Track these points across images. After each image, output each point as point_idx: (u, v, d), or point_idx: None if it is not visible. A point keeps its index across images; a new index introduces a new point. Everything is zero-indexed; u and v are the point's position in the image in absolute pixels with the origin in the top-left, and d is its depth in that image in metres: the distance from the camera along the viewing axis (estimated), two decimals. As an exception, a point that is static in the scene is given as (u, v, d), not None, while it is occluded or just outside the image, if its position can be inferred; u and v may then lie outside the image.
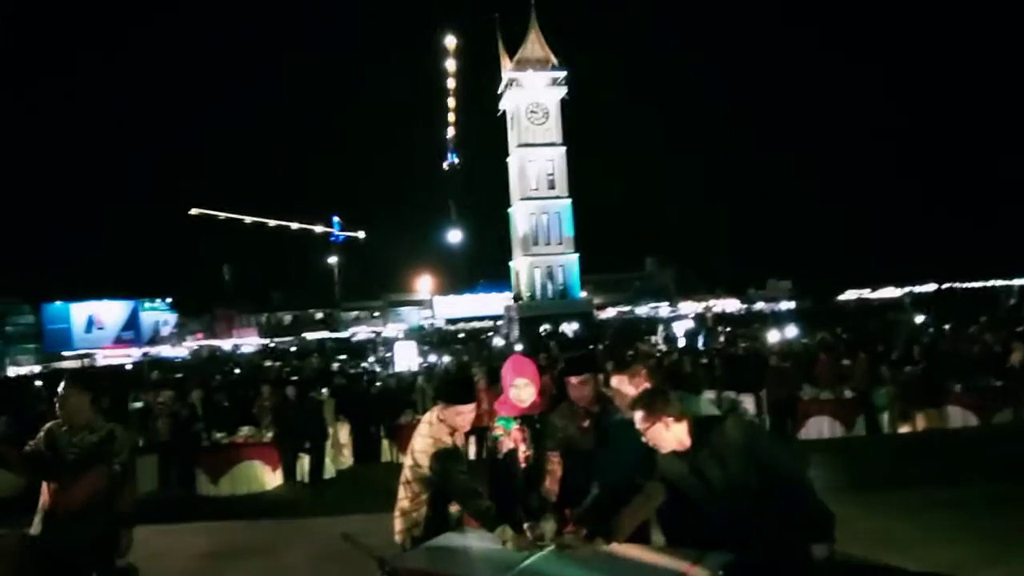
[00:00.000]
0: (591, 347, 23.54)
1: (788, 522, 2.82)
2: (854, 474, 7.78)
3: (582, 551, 2.98)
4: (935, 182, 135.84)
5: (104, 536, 3.75)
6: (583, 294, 51.59)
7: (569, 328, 42.58)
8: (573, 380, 3.62)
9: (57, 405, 3.81)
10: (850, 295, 76.67)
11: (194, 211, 69.31)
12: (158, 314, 74.54)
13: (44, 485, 3.76)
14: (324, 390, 11.86)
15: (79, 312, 68.37)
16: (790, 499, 2.82)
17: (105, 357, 60.01)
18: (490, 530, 3.23)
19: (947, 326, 21.72)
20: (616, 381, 3.41)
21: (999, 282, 65.76)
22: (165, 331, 73.60)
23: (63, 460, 3.69)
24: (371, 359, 27.87)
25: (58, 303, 67.84)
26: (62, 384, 3.89)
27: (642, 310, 73.07)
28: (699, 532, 2.97)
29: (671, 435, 3.00)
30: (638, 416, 3.04)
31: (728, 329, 32.69)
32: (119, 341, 68.54)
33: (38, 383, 24.11)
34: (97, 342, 66.99)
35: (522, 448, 3.68)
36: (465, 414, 3.55)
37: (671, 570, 2.73)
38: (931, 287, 72.36)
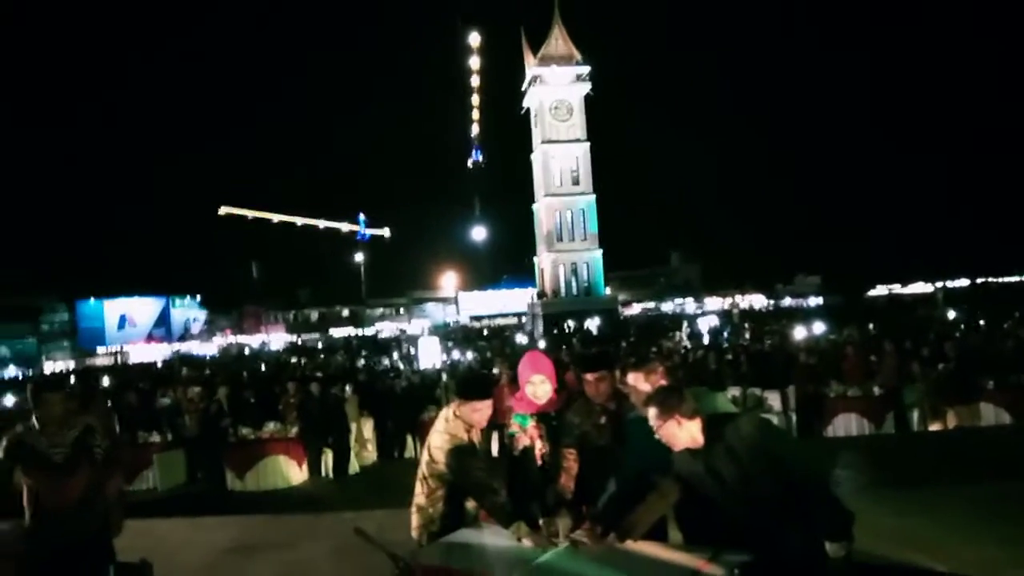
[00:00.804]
0: (613, 345, 23.44)
1: (804, 521, 2.76)
2: (882, 472, 7.63)
3: (596, 548, 2.96)
4: (968, 175, 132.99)
5: (99, 527, 3.83)
6: (607, 291, 51.42)
7: (593, 325, 42.40)
8: (589, 377, 3.59)
9: (34, 409, 3.83)
10: (880, 291, 75.34)
11: (223, 210, 70.30)
12: (188, 311, 75.88)
13: (26, 488, 3.77)
14: (347, 387, 11.92)
15: (112, 310, 69.84)
16: (806, 498, 2.76)
17: (137, 354, 61.12)
18: (505, 526, 3.22)
19: (981, 322, 21.30)
20: (632, 378, 3.37)
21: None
22: (195, 328, 74.90)
23: (49, 461, 3.73)
24: (396, 355, 28.03)
25: (91, 301, 69.38)
26: (34, 391, 3.91)
27: (667, 306, 72.64)
28: (715, 530, 2.93)
29: (684, 433, 2.97)
30: (651, 413, 3.01)
31: (754, 325, 32.34)
32: (150, 338, 69.86)
33: (72, 379, 24.63)
34: (129, 339, 68.40)
35: (538, 445, 3.66)
36: (482, 410, 3.54)
37: (685, 567, 2.70)
38: (964, 282, 70.84)
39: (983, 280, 70.13)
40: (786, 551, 2.74)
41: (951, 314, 27.92)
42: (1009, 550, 4.76)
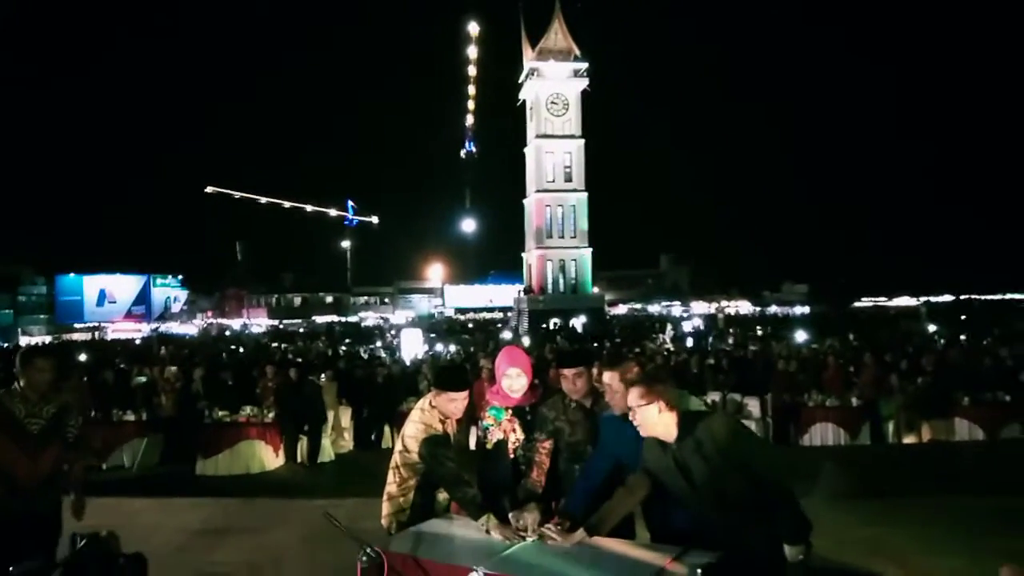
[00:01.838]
0: (597, 343, 23.49)
1: (766, 522, 2.77)
2: (854, 483, 7.69)
3: (564, 543, 2.96)
4: (957, 192, 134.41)
5: (55, 509, 3.80)
6: (595, 289, 51.46)
7: (578, 323, 42.48)
8: (567, 372, 3.58)
9: (21, 374, 3.78)
10: (866, 303, 76.03)
11: (210, 189, 69.96)
12: (169, 290, 75.34)
13: None
14: (323, 375, 11.87)
15: (92, 285, 69.19)
16: (770, 500, 2.78)
17: (115, 331, 60.58)
18: (475, 518, 3.22)
19: (962, 338, 21.54)
20: (608, 377, 3.37)
21: (1018, 295, 65.07)
22: (175, 307, 74.34)
23: (24, 430, 3.68)
24: (378, 344, 27.94)
25: (71, 275, 68.64)
26: (24, 355, 3.87)
27: (654, 308, 72.87)
28: (682, 529, 2.94)
29: (661, 421, 2.98)
30: (636, 392, 3.00)
31: (738, 331, 32.52)
32: (129, 315, 69.27)
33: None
34: (108, 315, 67.81)
35: (512, 438, 3.65)
36: (457, 401, 3.53)
37: (650, 565, 2.70)
38: (948, 298, 71.64)
39: (967, 297, 70.95)
40: (748, 550, 2.76)
41: (932, 328, 28.22)
42: (975, 561, 4.80)
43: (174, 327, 63.37)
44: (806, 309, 66.97)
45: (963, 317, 39.40)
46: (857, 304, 73.45)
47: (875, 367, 11.51)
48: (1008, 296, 67.81)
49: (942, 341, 21.25)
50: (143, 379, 12.33)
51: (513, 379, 3.66)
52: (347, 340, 31.40)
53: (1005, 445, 10.14)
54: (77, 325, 64.06)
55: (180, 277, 76.78)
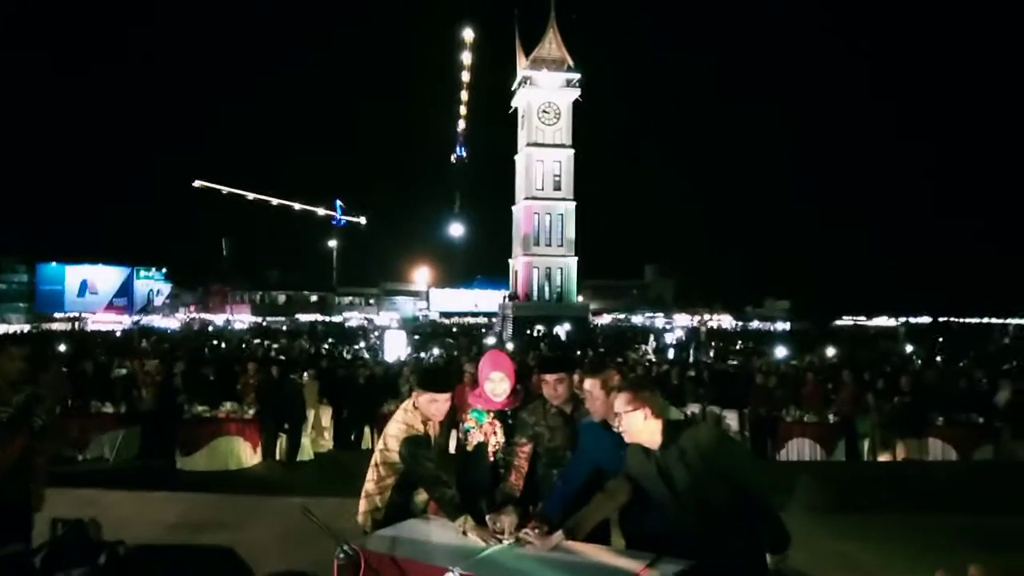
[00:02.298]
0: (580, 351, 23.55)
1: (747, 532, 2.83)
2: (828, 498, 7.78)
3: (540, 547, 2.99)
4: (939, 216, 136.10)
5: (18, 500, 3.78)
6: (580, 298, 51.59)
7: (562, 331, 42.55)
8: (549, 378, 3.63)
9: None
10: (846, 321, 76.77)
11: (198, 183, 69.24)
12: (152, 283, 74.61)
13: None
14: (305, 374, 11.84)
15: (74, 275, 68.35)
16: (752, 510, 2.84)
17: (95, 322, 59.85)
18: (452, 519, 3.25)
19: (938, 359, 21.82)
20: (589, 384, 3.42)
21: (995, 320, 65.93)
22: (158, 301, 73.63)
23: None
24: (361, 345, 27.85)
25: (53, 264, 67.79)
26: None
27: (638, 319, 73.10)
28: (657, 536, 2.98)
29: (646, 428, 3.01)
30: (623, 398, 3.03)
31: (719, 344, 32.73)
32: (111, 307, 68.50)
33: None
34: (89, 306, 66.97)
35: (492, 441, 3.69)
36: (439, 403, 3.56)
37: (624, 571, 2.74)
38: (926, 319, 72.47)
39: (944, 319, 71.81)
40: (726, 559, 2.81)
41: (909, 348, 28.54)
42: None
43: (156, 320, 62.73)
44: (787, 325, 67.50)
45: (940, 339, 39.87)
46: (837, 322, 74.16)
47: (853, 385, 11.64)
48: (985, 320, 68.67)
49: (919, 362, 21.52)
50: (123, 371, 12.22)
51: (496, 383, 3.70)
52: (330, 340, 31.22)
53: (977, 466, 10.30)
54: (57, 315, 63.25)
55: (164, 270, 76.09)
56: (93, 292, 69.03)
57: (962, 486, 8.79)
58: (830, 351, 22.51)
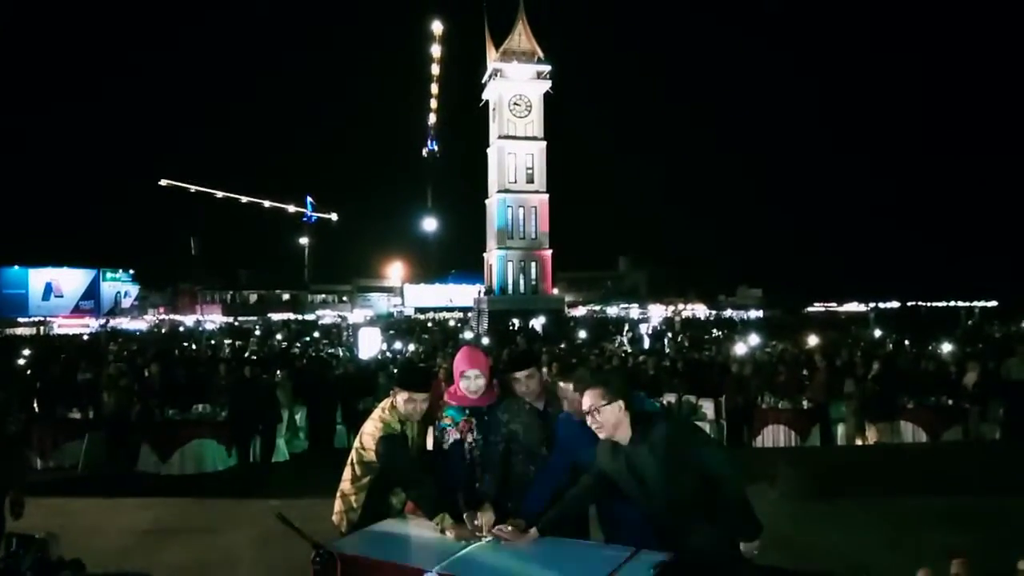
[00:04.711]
0: (556, 343, 23.58)
1: (717, 524, 2.82)
2: (803, 484, 7.86)
3: (518, 543, 2.97)
4: (907, 205, 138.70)
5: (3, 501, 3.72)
6: (555, 290, 51.67)
7: (538, 323, 42.60)
8: (519, 375, 3.61)
9: None
10: (818, 307, 77.94)
11: (164, 182, 68.23)
12: (120, 285, 73.28)
13: None
14: (278, 373, 11.69)
15: (38, 278, 66.93)
16: (721, 502, 2.83)
17: (61, 326, 58.62)
18: (429, 518, 3.23)
19: (907, 343, 22.20)
20: (562, 387, 3.42)
21: (961, 303, 67.37)
22: (126, 303, 72.35)
23: None
24: (329, 342, 27.57)
25: (16, 268, 66.23)
26: None
27: (612, 310, 73.48)
28: (636, 530, 2.97)
29: (618, 421, 2.99)
30: (596, 392, 3.00)
31: (693, 334, 32.99)
32: (77, 310, 67.16)
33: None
34: (55, 310, 65.63)
35: (468, 439, 3.64)
36: (416, 402, 3.53)
37: (604, 565, 2.72)
38: (895, 304, 73.86)
39: (913, 304, 73.24)
40: (699, 550, 2.80)
41: (878, 333, 29.01)
42: (911, 561, 4.95)
43: (124, 323, 61.58)
44: (760, 313, 68.34)
45: (909, 322, 40.64)
46: (809, 309, 75.27)
47: (826, 371, 11.79)
48: (951, 304, 70.17)
49: (889, 346, 21.86)
50: (89, 376, 11.95)
51: (471, 380, 3.65)
52: (305, 338, 30.88)
53: (947, 447, 10.49)
54: (21, 319, 61.77)
55: (132, 272, 74.75)
56: (58, 295, 67.67)
57: (934, 468, 8.94)
58: (811, 339, 22.70)
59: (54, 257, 68.05)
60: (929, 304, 72.79)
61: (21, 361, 15.80)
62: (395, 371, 12.30)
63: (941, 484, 7.43)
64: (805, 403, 11.27)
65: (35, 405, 10.20)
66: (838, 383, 11.58)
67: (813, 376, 12.00)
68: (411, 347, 23.51)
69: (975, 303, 63.76)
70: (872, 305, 70.78)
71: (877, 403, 10.85)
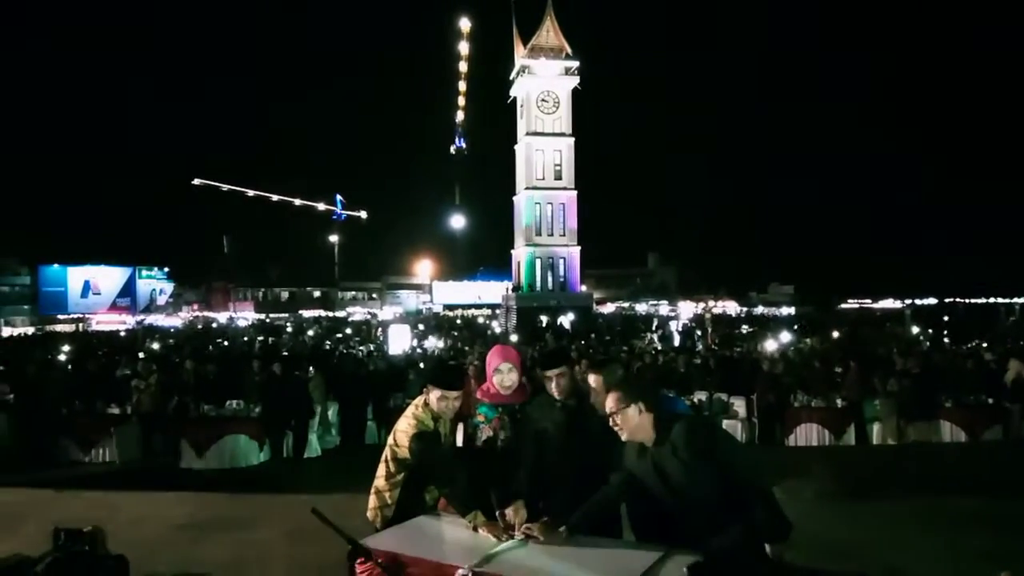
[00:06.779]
0: (585, 341, 23.50)
1: (744, 523, 2.78)
2: (837, 483, 7.75)
3: (551, 542, 2.96)
4: (943, 198, 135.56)
5: None
6: (583, 288, 51.48)
7: (566, 321, 42.48)
8: (550, 374, 3.59)
9: None
10: (851, 304, 76.54)
11: (197, 181, 69.19)
12: (155, 282, 74.65)
13: None
14: (310, 370, 11.81)
15: (76, 276, 68.43)
16: (747, 501, 2.79)
17: (99, 323, 59.94)
18: (462, 515, 3.22)
19: (945, 340, 21.74)
20: (593, 380, 3.39)
21: (1001, 300, 65.70)
22: (161, 300, 73.71)
23: None
24: (360, 339, 27.80)
25: (55, 266, 67.85)
26: None
27: (642, 307, 72.93)
28: (667, 529, 2.94)
29: (639, 423, 2.98)
30: (615, 396, 3.01)
31: (725, 331, 32.65)
32: (114, 307, 68.60)
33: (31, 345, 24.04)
34: (92, 307, 67.07)
35: (501, 436, 3.64)
36: (449, 400, 3.53)
37: (635, 565, 2.70)
38: (932, 300, 72.25)
39: (951, 300, 71.52)
40: (727, 549, 2.76)
41: (915, 330, 28.40)
42: (956, 562, 4.86)
43: (159, 320, 62.80)
44: (792, 310, 67.34)
45: (946, 319, 39.72)
46: (842, 306, 73.94)
47: (859, 369, 11.58)
48: (991, 300, 68.47)
49: (927, 343, 21.43)
50: (127, 371, 12.21)
51: (504, 374, 3.66)
52: (337, 335, 31.19)
53: (986, 447, 10.25)
54: (60, 316, 63.34)
55: (166, 270, 76.11)
56: (96, 293, 69.14)
57: (972, 468, 8.75)
58: (837, 335, 22.33)
59: (92, 255, 69.58)
60: (967, 301, 71.03)
61: (62, 357, 16.20)
62: (423, 368, 12.38)
63: (980, 485, 7.28)
64: (839, 401, 11.08)
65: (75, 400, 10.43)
66: (872, 381, 11.38)
67: (846, 374, 11.80)
68: (440, 344, 23.63)
69: (1015, 300, 62.12)
70: (908, 302, 69.32)
71: (915, 401, 10.64)
